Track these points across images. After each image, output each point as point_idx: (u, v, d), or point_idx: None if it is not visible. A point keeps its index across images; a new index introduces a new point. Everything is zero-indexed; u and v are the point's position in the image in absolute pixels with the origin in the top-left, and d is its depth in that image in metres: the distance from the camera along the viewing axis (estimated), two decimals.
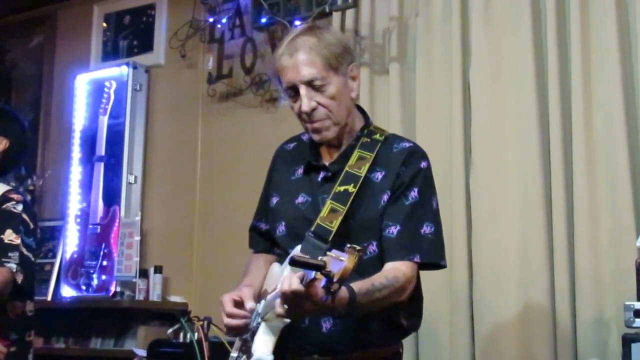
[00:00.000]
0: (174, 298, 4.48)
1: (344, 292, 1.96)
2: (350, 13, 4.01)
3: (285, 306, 1.91)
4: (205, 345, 3.46)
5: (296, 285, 1.86)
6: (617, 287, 3.16)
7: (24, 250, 3.13)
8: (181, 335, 3.88)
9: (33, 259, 3.22)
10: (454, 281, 3.51)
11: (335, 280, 1.79)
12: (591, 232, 3.24)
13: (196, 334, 3.61)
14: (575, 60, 3.36)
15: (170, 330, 3.88)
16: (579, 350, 3.21)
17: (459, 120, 3.60)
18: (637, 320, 2.72)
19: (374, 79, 3.93)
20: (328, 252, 1.82)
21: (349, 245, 1.80)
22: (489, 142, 3.55)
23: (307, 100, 2.17)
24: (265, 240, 2.44)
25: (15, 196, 3.21)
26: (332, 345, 2.15)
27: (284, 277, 1.95)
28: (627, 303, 2.76)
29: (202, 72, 4.67)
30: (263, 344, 2.05)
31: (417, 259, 2.18)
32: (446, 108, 3.66)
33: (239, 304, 2.15)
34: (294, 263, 1.81)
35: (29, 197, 3.34)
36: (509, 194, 3.48)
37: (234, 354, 2.21)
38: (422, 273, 3.56)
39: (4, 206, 3.16)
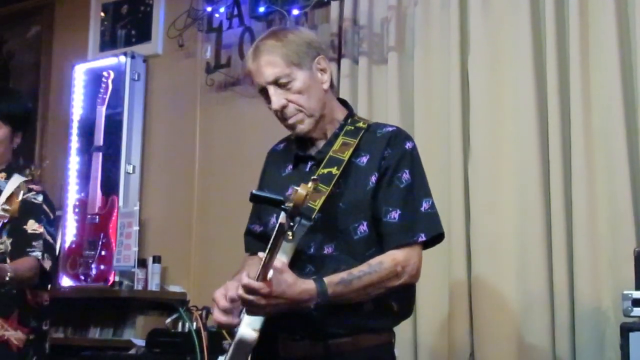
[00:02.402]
0: (173, 288, 4.49)
1: (308, 282, 2.04)
2: (348, 2, 4.00)
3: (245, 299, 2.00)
4: (203, 334, 3.48)
5: (247, 281, 1.98)
6: (615, 276, 3.17)
7: (48, 238, 3.18)
8: (180, 324, 3.89)
9: (56, 246, 3.29)
10: (453, 271, 3.51)
11: (291, 208, 1.88)
12: (589, 222, 3.25)
13: (194, 324, 3.62)
14: (574, 50, 3.35)
15: (168, 320, 3.89)
16: (576, 339, 3.22)
17: (457, 109, 3.59)
18: (635, 309, 2.73)
19: (373, 68, 3.92)
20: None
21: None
22: (487, 132, 3.54)
23: (275, 98, 2.25)
24: (260, 242, 2.44)
25: (34, 187, 3.25)
26: (323, 329, 2.16)
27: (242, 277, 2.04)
28: (625, 292, 2.77)
29: (200, 62, 4.66)
30: (249, 323, 2.08)
31: (422, 237, 2.22)
32: (444, 97, 3.66)
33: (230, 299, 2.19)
34: (253, 198, 1.96)
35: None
36: (508, 184, 3.48)
37: (225, 346, 2.23)
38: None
39: (25, 197, 3.17)
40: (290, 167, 2.37)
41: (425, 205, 2.24)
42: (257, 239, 2.46)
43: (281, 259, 2.03)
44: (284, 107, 2.26)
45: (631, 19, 3.31)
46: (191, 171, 4.65)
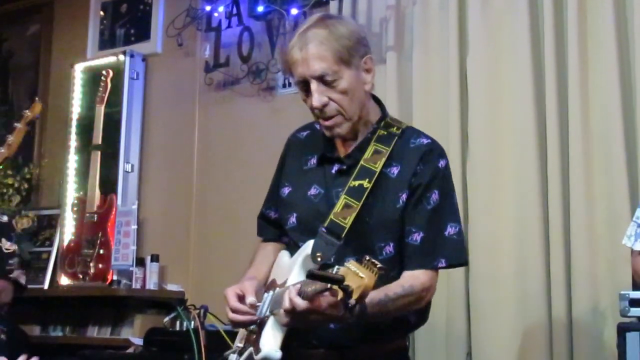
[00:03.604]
0: (171, 287, 4.49)
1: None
2: (347, 2, 4.00)
3: (290, 319, 1.91)
4: (201, 333, 3.48)
5: (300, 304, 1.86)
6: (613, 277, 3.17)
7: (21, 255, 3.41)
8: (178, 323, 3.89)
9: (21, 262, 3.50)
10: (450, 272, 3.50)
11: (354, 298, 1.72)
12: (587, 222, 3.25)
13: (192, 323, 3.63)
14: (572, 50, 3.35)
15: (166, 319, 3.89)
16: (574, 339, 3.22)
17: (456, 109, 3.59)
18: (632, 309, 2.72)
19: None
20: (346, 264, 1.74)
21: (367, 258, 1.74)
22: (485, 133, 3.54)
23: (317, 95, 2.11)
24: (274, 229, 2.40)
25: None
26: (339, 340, 2.12)
27: (289, 289, 1.92)
28: (622, 292, 2.77)
29: (199, 61, 4.66)
30: (272, 339, 2.02)
31: (442, 263, 2.15)
32: (443, 97, 3.66)
33: (241, 297, 2.13)
34: (312, 276, 1.76)
35: None
36: (506, 185, 3.48)
37: (239, 344, 2.19)
38: None
39: None
40: (313, 161, 2.28)
41: (450, 230, 2.16)
42: (270, 225, 2.41)
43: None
44: (324, 105, 2.13)
45: (629, 19, 3.31)
46: (190, 170, 4.65)
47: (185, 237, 4.60)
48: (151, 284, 4.43)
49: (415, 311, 2.19)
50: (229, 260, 4.07)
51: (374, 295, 1.95)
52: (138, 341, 4.02)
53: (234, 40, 4.50)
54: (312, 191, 2.21)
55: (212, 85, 4.59)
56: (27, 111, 3.60)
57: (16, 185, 5.00)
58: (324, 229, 2.09)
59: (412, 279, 2.11)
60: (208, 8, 4.54)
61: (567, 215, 3.30)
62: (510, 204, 3.45)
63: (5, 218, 3.43)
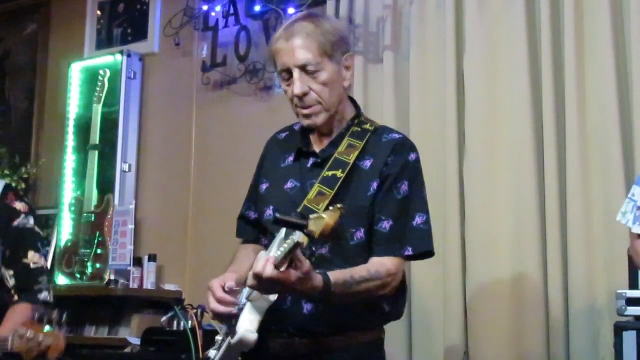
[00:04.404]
0: (168, 286, 4.49)
1: (317, 279, 2.01)
2: (344, 1, 4.00)
3: (255, 283, 1.98)
4: (198, 333, 3.47)
5: (270, 272, 1.92)
6: (609, 276, 3.17)
7: (47, 266, 3.05)
8: (175, 323, 3.89)
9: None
10: (448, 270, 3.52)
11: (316, 237, 1.82)
12: (583, 221, 3.25)
13: (190, 322, 3.62)
14: (569, 49, 3.35)
15: (164, 319, 3.88)
16: (571, 338, 3.23)
17: (452, 108, 3.59)
18: (629, 308, 2.73)
19: (368, 67, 3.92)
20: (310, 215, 1.86)
21: (331, 207, 1.86)
22: (482, 131, 3.55)
23: (299, 83, 2.20)
24: (253, 229, 2.45)
25: (19, 206, 2.98)
26: (313, 326, 2.17)
27: (259, 256, 2.00)
28: (619, 291, 2.77)
29: (196, 60, 4.67)
30: (247, 322, 2.08)
31: (408, 251, 2.21)
32: (440, 97, 3.66)
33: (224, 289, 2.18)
34: (277, 221, 1.89)
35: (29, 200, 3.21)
36: (503, 184, 3.48)
37: (218, 337, 2.22)
38: (416, 263, 3.59)
39: (15, 223, 2.94)
40: (290, 158, 2.35)
41: (418, 220, 2.23)
42: (249, 225, 2.46)
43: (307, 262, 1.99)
44: (305, 93, 2.21)
45: (626, 19, 3.31)
46: (187, 169, 4.66)
47: (183, 237, 4.60)
48: (148, 284, 4.44)
49: (387, 300, 2.24)
50: (226, 260, 4.02)
51: (339, 276, 2.07)
52: (135, 341, 4.02)
53: (231, 40, 4.50)
54: (288, 184, 2.29)
55: (209, 85, 4.59)
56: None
57: (13, 184, 4.99)
58: (297, 214, 2.15)
59: (379, 264, 2.17)
60: (205, 7, 4.54)
61: (564, 214, 3.30)
62: (507, 203, 3.45)
63: (31, 222, 2.97)
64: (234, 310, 2.14)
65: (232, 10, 4.48)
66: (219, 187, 4.48)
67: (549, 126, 3.36)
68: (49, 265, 4.64)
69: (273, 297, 2.09)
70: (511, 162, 3.46)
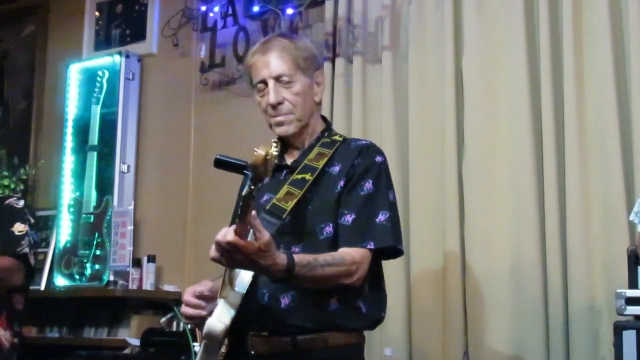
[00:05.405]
0: (167, 287, 4.49)
1: (281, 257, 2.08)
2: (342, 1, 4.00)
3: (217, 254, 2.06)
4: (198, 334, 3.47)
5: (230, 237, 1.99)
6: (609, 275, 3.17)
7: (32, 235, 3.36)
8: (174, 324, 3.90)
9: (36, 248, 3.51)
10: (447, 270, 3.52)
11: (249, 165, 1.88)
12: (583, 220, 3.25)
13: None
14: (567, 49, 3.36)
15: (163, 319, 3.89)
16: (570, 338, 3.22)
17: (451, 109, 3.60)
18: (628, 307, 2.72)
19: (367, 67, 3.92)
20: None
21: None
22: (481, 131, 3.55)
23: (274, 93, 2.34)
24: None
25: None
26: (291, 322, 2.22)
27: (223, 229, 2.07)
28: (619, 291, 2.76)
29: (195, 61, 4.67)
30: (217, 315, 2.13)
31: (371, 245, 2.26)
32: (439, 97, 3.66)
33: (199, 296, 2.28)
34: (217, 162, 2.08)
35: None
36: (502, 183, 3.48)
37: (197, 345, 2.28)
38: (415, 263, 3.59)
39: (7, 202, 3.42)
40: (267, 179, 2.40)
41: (381, 217, 2.30)
42: None
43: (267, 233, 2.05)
44: (279, 102, 2.34)
45: (624, 18, 3.31)
46: (186, 170, 4.66)
47: (182, 238, 4.60)
48: (148, 285, 4.43)
49: (364, 300, 2.29)
50: None
51: (303, 257, 2.15)
52: (135, 342, 4.02)
53: (229, 40, 4.51)
54: (265, 198, 2.36)
55: (207, 86, 4.59)
56: None
57: (12, 186, 4.99)
58: (265, 212, 2.21)
59: (344, 252, 2.24)
60: (203, 8, 4.54)
61: (563, 213, 3.31)
62: (506, 202, 3.45)
63: (21, 203, 3.45)
64: (203, 312, 2.22)
65: (230, 11, 4.49)
66: (218, 187, 4.46)
67: (548, 126, 3.37)
68: (48, 266, 4.74)
69: (242, 289, 2.16)
70: (510, 161, 3.46)
